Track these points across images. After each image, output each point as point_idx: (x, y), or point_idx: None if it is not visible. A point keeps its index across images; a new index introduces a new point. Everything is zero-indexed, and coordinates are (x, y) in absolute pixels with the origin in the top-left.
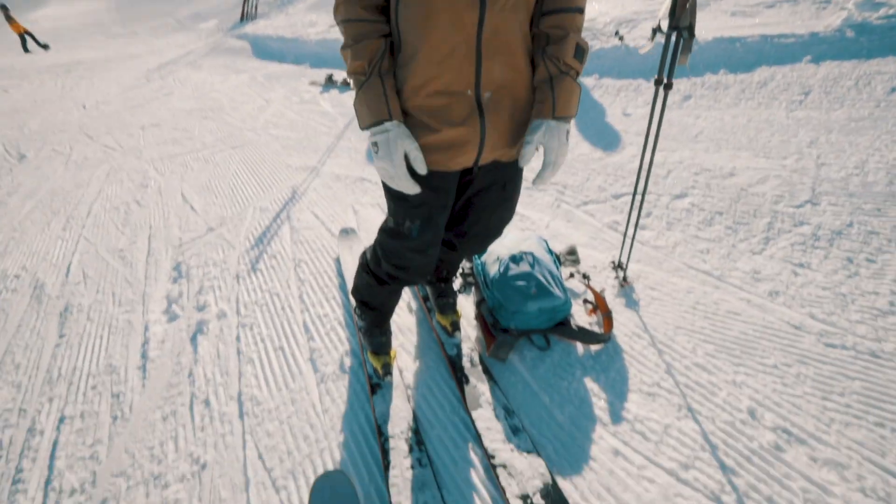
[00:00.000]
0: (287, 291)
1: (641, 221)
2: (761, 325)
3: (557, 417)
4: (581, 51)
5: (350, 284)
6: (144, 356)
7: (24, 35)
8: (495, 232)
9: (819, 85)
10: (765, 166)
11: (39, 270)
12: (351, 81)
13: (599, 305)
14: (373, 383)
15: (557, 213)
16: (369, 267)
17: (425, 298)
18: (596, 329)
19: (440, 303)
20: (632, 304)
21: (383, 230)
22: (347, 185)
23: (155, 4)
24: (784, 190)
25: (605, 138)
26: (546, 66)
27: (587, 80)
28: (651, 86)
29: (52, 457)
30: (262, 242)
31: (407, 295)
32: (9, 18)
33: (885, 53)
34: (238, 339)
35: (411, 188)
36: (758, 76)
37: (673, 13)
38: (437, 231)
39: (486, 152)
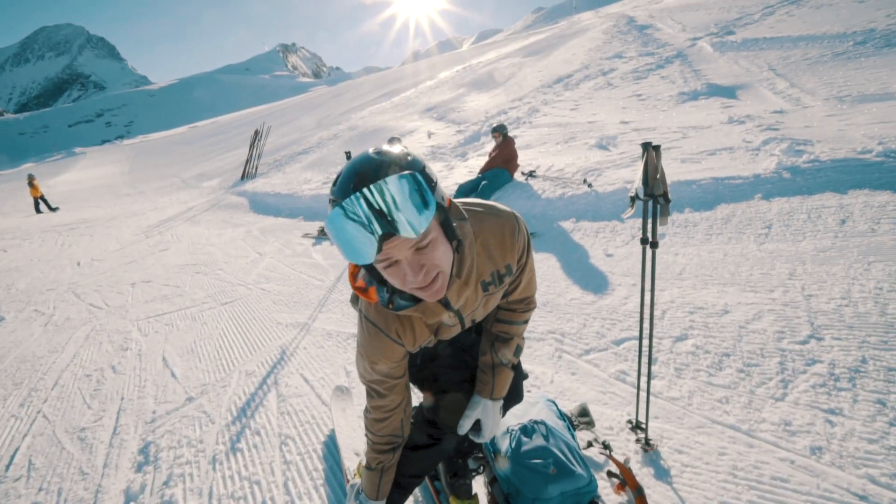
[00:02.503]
0: (270, 479)
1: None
2: (818, 495)
3: None
4: (519, 349)
5: (344, 454)
6: None
7: (38, 199)
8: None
9: (777, 219)
10: (755, 301)
11: None
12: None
13: (628, 481)
14: None
15: (560, 366)
16: (421, 423)
17: (433, 479)
18: None
19: (455, 483)
20: (662, 474)
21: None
22: (339, 343)
23: (164, 168)
24: (782, 325)
25: (593, 281)
26: (492, 356)
27: (566, 224)
28: (626, 226)
29: None
30: (246, 415)
31: None
32: (31, 185)
33: (822, 190)
34: None
35: None
36: (720, 213)
37: (646, 183)
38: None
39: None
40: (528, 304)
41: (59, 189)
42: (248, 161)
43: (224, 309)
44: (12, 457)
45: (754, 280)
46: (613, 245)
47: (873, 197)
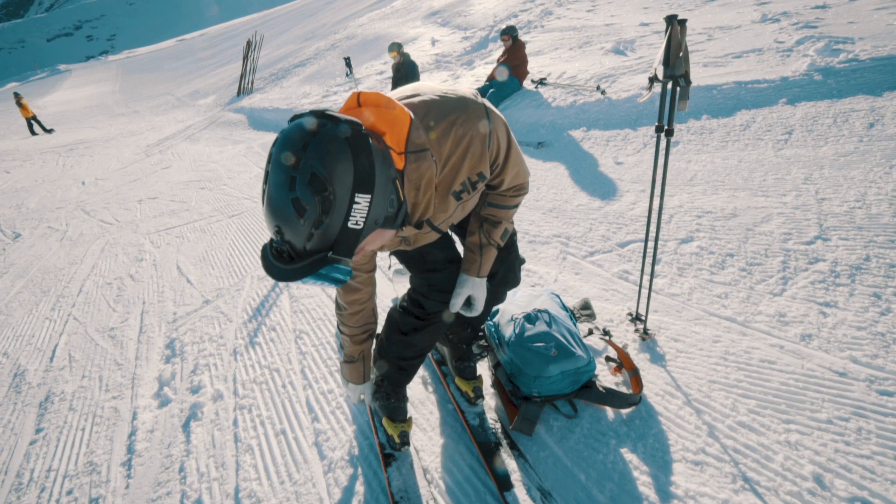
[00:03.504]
0: (288, 367)
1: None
2: (802, 373)
3: (598, 498)
4: (507, 232)
5: None
6: (131, 450)
7: (30, 120)
8: (503, 275)
9: (800, 124)
10: (765, 205)
11: (22, 356)
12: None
13: (624, 363)
14: (385, 453)
15: (564, 266)
16: (404, 311)
17: (440, 363)
18: (624, 390)
19: (460, 366)
20: (657, 358)
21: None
22: None
23: (156, 85)
24: (791, 227)
25: (602, 187)
26: (479, 236)
27: (576, 133)
28: (638, 134)
29: None
30: (261, 314)
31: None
32: (19, 104)
33: (854, 93)
34: (235, 423)
35: (358, 403)
36: (739, 119)
37: (667, 62)
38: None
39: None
40: (517, 189)
41: (50, 110)
42: (242, 76)
43: (232, 221)
44: (53, 351)
45: (767, 185)
46: (624, 153)
47: None
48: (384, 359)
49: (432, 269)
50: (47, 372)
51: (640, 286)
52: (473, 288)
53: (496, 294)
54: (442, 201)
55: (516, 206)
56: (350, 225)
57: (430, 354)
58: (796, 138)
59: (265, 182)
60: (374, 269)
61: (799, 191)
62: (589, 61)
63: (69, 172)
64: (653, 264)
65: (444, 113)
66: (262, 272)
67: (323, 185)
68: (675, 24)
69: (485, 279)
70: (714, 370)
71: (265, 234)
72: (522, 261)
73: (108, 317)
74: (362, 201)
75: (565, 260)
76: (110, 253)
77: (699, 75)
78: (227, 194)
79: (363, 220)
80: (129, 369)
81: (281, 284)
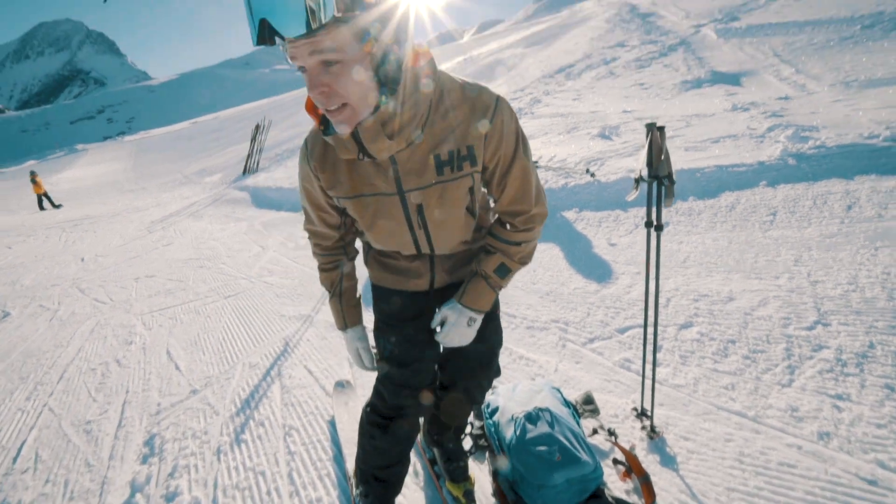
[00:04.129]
0: (275, 469)
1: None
2: (826, 480)
3: None
4: (505, 269)
5: (346, 450)
6: None
7: (41, 196)
8: (476, 364)
9: (782, 206)
10: (760, 287)
11: None
12: None
13: (634, 467)
14: None
15: (564, 354)
16: (370, 410)
17: (432, 462)
18: (636, 499)
19: (450, 468)
20: (668, 461)
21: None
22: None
23: (166, 164)
24: (788, 311)
25: (597, 270)
26: (473, 264)
27: (568, 214)
28: (629, 215)
29: None
30: (250, 406)
31: (413, 460)
32: (33, 181)
33: (828, 176)
34: None
35: (363, 367)
36: (724, 200)
37: (650, 164)
38: (414, 344)
39: (438, 277)
40: (525, 221)
41: (63, 186)
42: (249, 156)
43: (227, 302)
44: (19, 449)
45: (759, 267)
46: (617, 234)
47: (881, 182)
48: (361, 472)
49: (395, 321)
50: (6, 476)
51: (644, 376)
52: (453, 311)
53: (475, 360)
54: (421, 159)
55: (519, 243)
56: None
57: (423, 452)
58: (781, 219)
59: None
60: (328, 213)
61: (791, 273)
62: (577, 145)
63: (70, 248)
64: (654, 353)
65: (466, 80)
66: (254, 360)
67: None
68: (654, 131)
69: (468, 311)
70: (731, 475)
71: (259, 317)
72: (497, 343)
73: (87, 408)
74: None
75: (565, 347)
76: (99, 335)
77: (682, 159)
78: (225, 273)
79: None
80: (101, 471)
81: (273, 373)
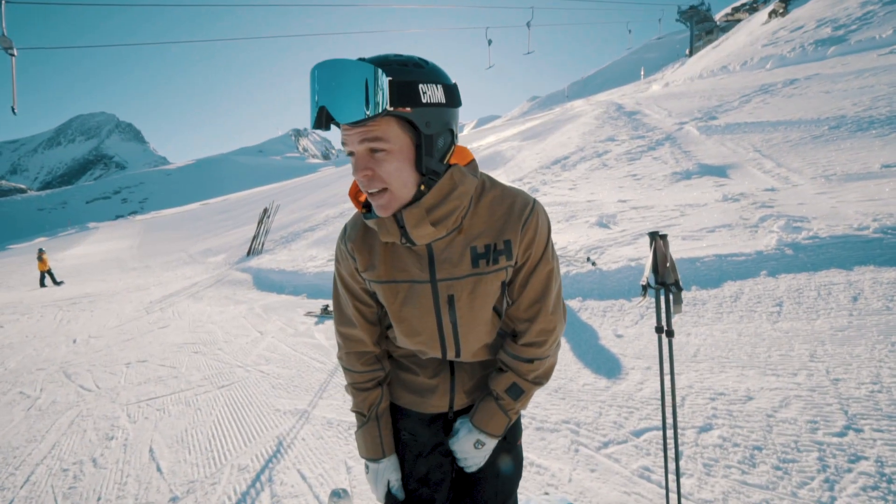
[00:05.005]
0: None
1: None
2: None
3: None
4: (517, 390)
5: None
6: None
7: (44, 273)
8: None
9: (787, 296)
10: (779, 386)
11: None
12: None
13: None
14: None
15: (578, 461)
16: None
17: None
18: None
19: None
20: None
21: None
22: (340, 433)
23: (173, 242)
24: (814, 414)
25: (606, 364)
26: (487, 383)
27: (572, 303)
28: (633, 304)
29: None
30: None
31: None
32: (39, 259)
33: (827, 266)
34: None
35: (383, 496)
36: (727, 290)
37: (656, 271)
38: (424, 484)
39: (458, 397)
40: (539, 333)
41: (68, 263)
42: (254, 237)
43: (220, 393)
44: None
45: (774, 362)
46: (622, 325)
47: (881, 273)
48: None
49: (414, 451)
50: None
51: (668, 490)
52: (462, 428)
53: (491, 489)
54: (458, 250)
55: (531, 360)
56: (420, 86)
57: None
58: (788, 310)
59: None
60: (365, 304)
61: (809, 370)
62: (577, 233)
63: (63, 328)
64: (677, 469)
65: (497, 180)
66: (244, 462)
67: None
68: (657, 239)
69: (477, 433)
70: None
71: (253, 411)
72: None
73: None
74: (437, 90)
75: (578, 452)
76: (79, 428)
77: (681, 248)
78: (221, 360)
79: (428, 96)
80: None
81: (263, 478)
